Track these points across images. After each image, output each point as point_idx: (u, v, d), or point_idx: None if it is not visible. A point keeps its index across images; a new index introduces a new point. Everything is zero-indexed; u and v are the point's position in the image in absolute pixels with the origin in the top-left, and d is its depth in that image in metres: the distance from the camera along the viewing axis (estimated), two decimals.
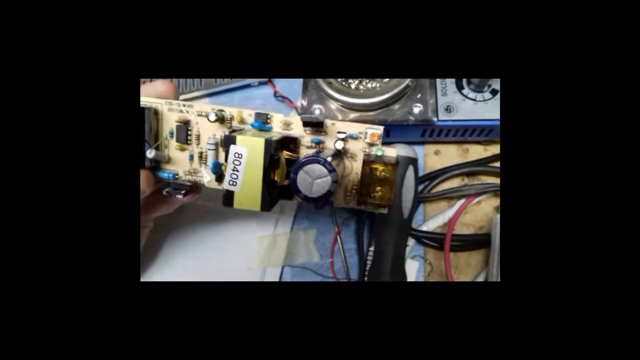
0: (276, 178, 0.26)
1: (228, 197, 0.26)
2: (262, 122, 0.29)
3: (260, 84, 0.46)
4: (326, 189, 0.24)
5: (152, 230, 0.38)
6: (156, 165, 0.31)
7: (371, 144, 0.29)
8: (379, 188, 0.28)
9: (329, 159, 0.24)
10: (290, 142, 0.29)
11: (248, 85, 0.46)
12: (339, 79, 0.38)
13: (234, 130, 0.29)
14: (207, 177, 0.30)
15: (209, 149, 0.29)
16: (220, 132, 0.30)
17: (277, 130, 0.29)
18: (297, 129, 0.29)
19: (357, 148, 0.29)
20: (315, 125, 0.28)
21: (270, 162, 0.25)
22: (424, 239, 0.40)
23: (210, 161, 0.29)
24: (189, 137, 0.30)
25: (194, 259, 0.41)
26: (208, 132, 0.30)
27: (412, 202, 0.37)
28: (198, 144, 0.30)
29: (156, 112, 0.30)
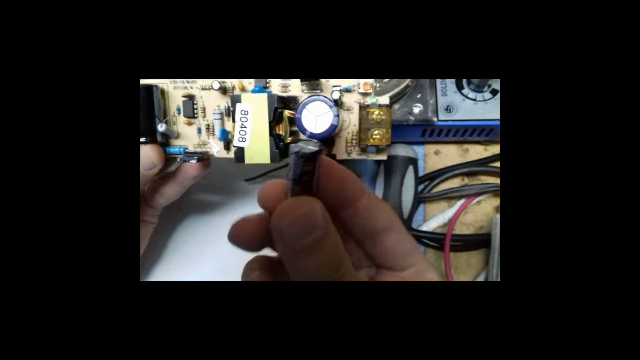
0: (281, 132, 0.29)
1: (239, 153, 0.28)
2: (262, 87, 0.31)
3: None
4: (329, 123, 0.27)
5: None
6: (166, 142, 0.32)
7: (365, 94, 0.30)
8: (377, 131, 0.30)
9: None
10: (290, 102, 0.31)
11: None
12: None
13: None
14: (216, 147, 0.32)
15: (215, 119, 0.31)
16: (223, 102, 0.31)
17: (276, 92, 0.31)
18: (295, 90, 0.31)
19: (352, 101, 0.31)
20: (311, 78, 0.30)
21: (274, 116, 0.28)
22: (424, 239, 0.40)
23: (217, 130, 0.31)
24: (195, 111, 0.32)
25: (194, 259, 0.41)
26: (213, 104, 0.31)
27: (412, 202, 0.37)
28: (204, 116, 0.32)
29: (162, 93, 0.32)
